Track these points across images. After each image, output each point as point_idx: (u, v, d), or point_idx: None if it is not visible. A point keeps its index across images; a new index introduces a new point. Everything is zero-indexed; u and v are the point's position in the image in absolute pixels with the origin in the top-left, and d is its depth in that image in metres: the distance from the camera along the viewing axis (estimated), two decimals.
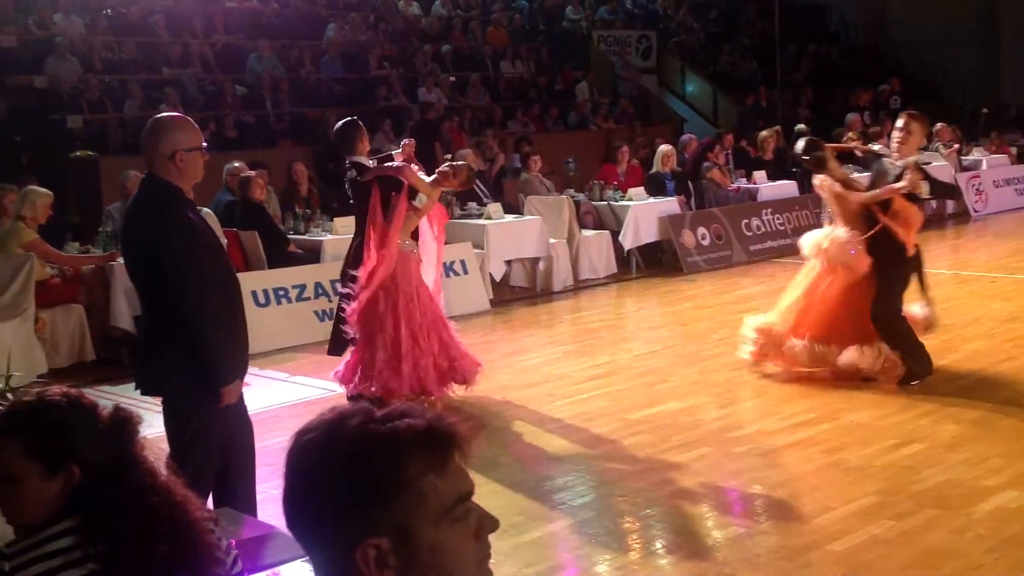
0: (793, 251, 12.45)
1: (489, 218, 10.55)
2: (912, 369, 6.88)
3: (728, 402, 6.68)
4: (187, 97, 13.72)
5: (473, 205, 11.11)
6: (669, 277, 11.43)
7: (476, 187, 11.39)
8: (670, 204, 12.00)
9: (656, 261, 12.03)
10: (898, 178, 6.80)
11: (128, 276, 4.33)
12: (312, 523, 1.36)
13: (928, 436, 5.84)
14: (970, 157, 16.14)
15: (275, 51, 15.57)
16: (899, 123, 7.19)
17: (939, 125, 16.31)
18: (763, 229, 12.60)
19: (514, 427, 6.43)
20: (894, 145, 7.16)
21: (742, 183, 13.26)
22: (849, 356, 6.84)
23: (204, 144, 4.12)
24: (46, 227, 8.42)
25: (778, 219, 12.77)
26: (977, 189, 15.46)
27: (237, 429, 4.14)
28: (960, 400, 6.49)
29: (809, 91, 20.13)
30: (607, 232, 11.63)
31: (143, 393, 4.15)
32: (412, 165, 6.78)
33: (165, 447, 3.91)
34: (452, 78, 16.66)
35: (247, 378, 4.27)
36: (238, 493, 4.10)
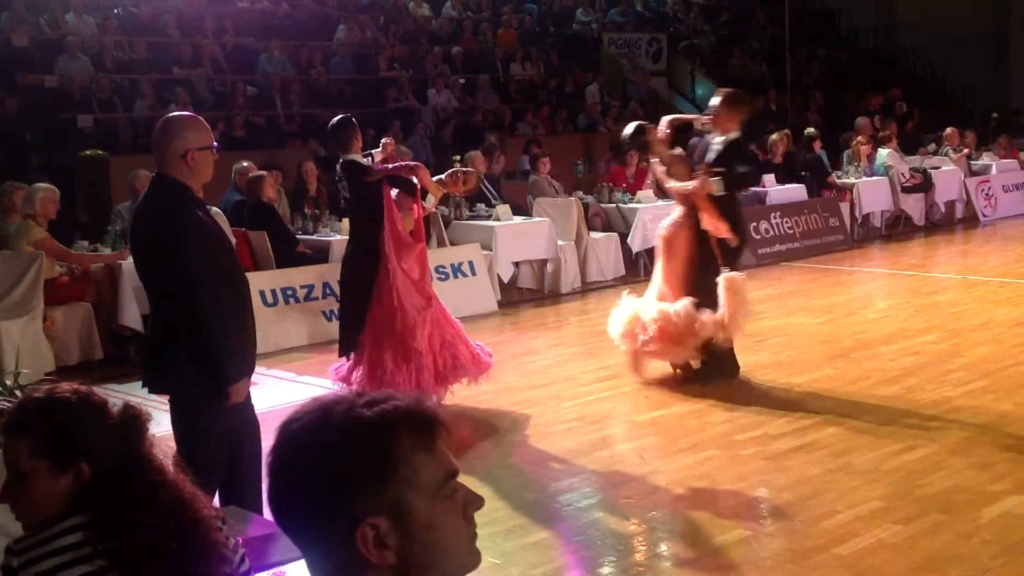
0: (802, 254, 12.51)
1: (498, 219, 10.56)
2: (713, 369, 7.07)
3: (735, 405, 6.67)
4: (197, 97, 13.77)
5: (481, 206, 11.12)
6: None
7: (485, 188, 11.42)
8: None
9: None
10: (709, 162, 6.98)
11: (137, 275, 4.34)
12: (309, 512, 1.36)
13: (934, 441, 5.83)
14: (980, 162, 16.10)
15: (285, 52, 15.61)
16: (711, 101, 7.33)
17: (948, 129, 16.29)
18: (772, 232, 12.59)
19: (521, 428, 6.44)
20: (707, 124, 7.28)
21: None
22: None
23: (215, 144, 4.15)
24: (55, 225, 8.45)
25: (787, 223, 12.76)
26: (986, 194, 15.42)
27: (244, 428, 4.16)
28: (967, 405, 6.48)
29: (819, 95, 20.11)
30: (615, 234, 11.63)
31: (151, 391, 4.16)
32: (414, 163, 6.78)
33: (173, 445, 3.93)
34: (462, 80, 16.67)
35: (254, 377, 4.29)
36: (245, 491, 4.12)
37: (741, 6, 23.14)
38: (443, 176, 6.89)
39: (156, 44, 15.01)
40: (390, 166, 6.74)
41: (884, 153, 14.36)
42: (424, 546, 1.38)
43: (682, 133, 7.41)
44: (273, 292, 8.82)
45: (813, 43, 22.10)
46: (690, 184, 7.04)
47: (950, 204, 15.13)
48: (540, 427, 6.44)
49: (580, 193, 12.26)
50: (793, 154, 14.13)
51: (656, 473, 5.50)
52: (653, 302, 7.17)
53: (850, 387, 6.99)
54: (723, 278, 6.94)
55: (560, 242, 10.79)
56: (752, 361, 7.74)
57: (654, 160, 7.51)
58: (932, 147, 16.28)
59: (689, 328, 6.89)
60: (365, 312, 6.55)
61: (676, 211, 7.32)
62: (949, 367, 7.35)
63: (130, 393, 6.09)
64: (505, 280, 10.50)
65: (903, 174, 14.35)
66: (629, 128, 7.57)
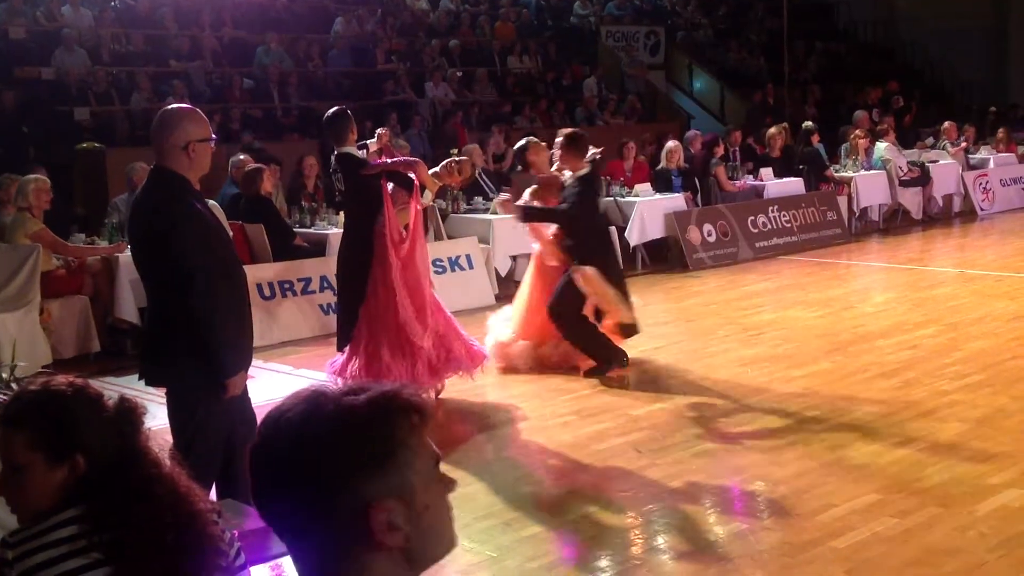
0: (800, 248, 12.51)
1: (495, 213, 10.55)
2: (600, 360, 7.26)
3: (732, 398, 6.67)
4: (194, 90, 13.74)
5: (479, 200, 11.10)
6: (675, 273, 11.42)
7: (482, 182, 11.40)
8: (676, 200, 11.99)
9: (662, 257, 12.03)
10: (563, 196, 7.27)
11: (134, 267, 4.34)
12: (305, 502, 1.36)
13: (932, 434, 5.83)
14: (977, 156, 16.11)
15: (283, 44, 15.58)
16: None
17: (946, 123, 16.29)
18: (769, 226, 12.59)
19: (517, 422, 6.44)
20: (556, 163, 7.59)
21: (749, 180, 13.25)
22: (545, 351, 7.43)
23: (214, 136, 4.15)
24: (52, 218, 8.43)
25: (784, 216, 12.76)
26: (984, 188, 15.43)
27: (241, 421, 4.15)
28: (964, 398, 6.48)
29: (816, 88, 20.10)
30: (613, 228, 11.61)
31: (148, 384, 4.16)
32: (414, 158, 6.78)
33: (169, 438, 3.93)
34: (459, 73, 16.65)
35: (252, 370, 4.29)
36: (242, 485, 4.11)
37: None
38: (438, 168, 6.88)
39: (153, 37, 14.98)
40: (389, 161, 6.72)
41: (882, 147, 14.35)
42: (424, 527, 1.41)
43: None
44: (271, 285, 8.82)
45: (811, 36, 22.08)
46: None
47: (948, 198, 15.13)
48: (536, 421, 6.44)
49: None
50: (791, 148, 14.13)
51: (652, 467, 5.50)
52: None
53: (847, 381, 6.99)
54: (573, 271, 7.14)
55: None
56: (749, 355, 7.75)
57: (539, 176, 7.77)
58: (930, 141, 16.28)
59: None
60: (359, 306, 6.54)
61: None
62: (946, 361, 7.36)
63: (127, 386, 6.09)
64: (503, 274, 10.49)
65: (901, 168, 14.35)
66: (520, 143, 7.98)
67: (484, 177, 11.49)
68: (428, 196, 6.72)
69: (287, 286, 8.92)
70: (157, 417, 3.54)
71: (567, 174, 7.39)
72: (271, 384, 7.20)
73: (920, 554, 4.33)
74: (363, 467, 1.36)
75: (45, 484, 2.24)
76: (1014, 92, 21.56)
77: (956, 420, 6.07)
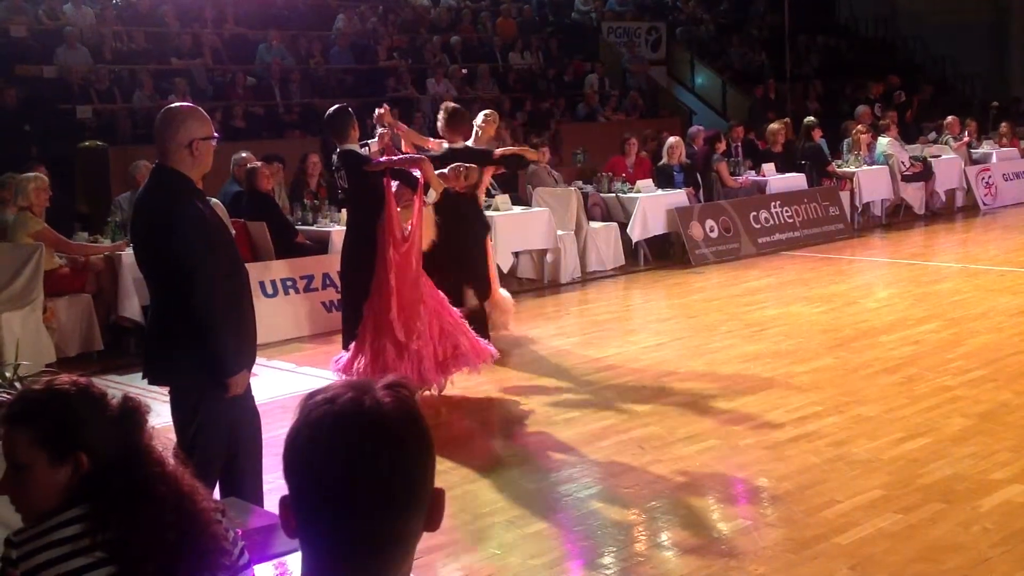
0: (802, 243, 12.50)
1: (497, 210, 10.54)
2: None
3: (735, 395, 6.67)
4: (196, 87, 13.74)
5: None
6: (677, 269, 11.42)
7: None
8: (678, 196, 11.98)
9: (664, 253, 12.03)
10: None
11: (137, 266, 4.34)
12: (417, 488, 1.39)
13: (935, 430, 5.83)
14: (980, 150, 16.08)
15: (284, 42, 15.58)
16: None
17: (949, 118, 16.26)
18: (772, 222, 12.58)
19: (520, 419, 6.44)
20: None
21: (751, 175, 13.23)
22: None
23: (216, 134, 4.15)
24: (55, 217, 8.43)
25: (786, 212, 12.75)
26: (987, 182, 15.41)
27: (244, 419, 4.16)
28: (967, 394, 6.48)
29: (818, 83, 20.07)
30: (615, 224, 11.62)
31: (151, 383, 4.16)
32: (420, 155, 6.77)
33: (173, 437, 3.93)
34: (464, 70, 16.64)
35: (255, 368, 4.29)
36: (245, 483, 4.12)
37: None
38: (445, 171, 6.88)
39: (155, 34, 14.98)
40: (394, 158, 6.70)
41: (884, 142, 14.33)
42: None
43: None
44: (273, 283, 8.82)
45: (812, 31, 22.05)
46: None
47: (950, 193, 15.10)
48: (540, 417, 6.44)
49: (579, 183, 12.24)
50: (793, 143, 14.11)
51: (656, 463, 5.50)
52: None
53: (850, 376, 6.99)
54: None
55: (559, 232, 10.78)
56: (752, 351, 7.75)
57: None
58: (932, 136, 16.26)
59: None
60: (363, 303, 6.54)
61: None
62: (949, 356, 7.35)
63: (130, 385, 6.11)
64: (505, 270, 10.48)
65: (903, 163, 14.33)
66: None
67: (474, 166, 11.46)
68: (432, 195, 6.70)
69: (289, 284, 8.92)
70: (161, 416, 3.54)
71: (445, 145, 7.67)
72: (274, 382, 7.21)
73: (923, 550, 4.33)
74: (434, 456, 1.42)
75: (49, 483, 2.24)
76: (1016, 86, 21.52)
77: (959, 416, 6.07)
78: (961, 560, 4.23)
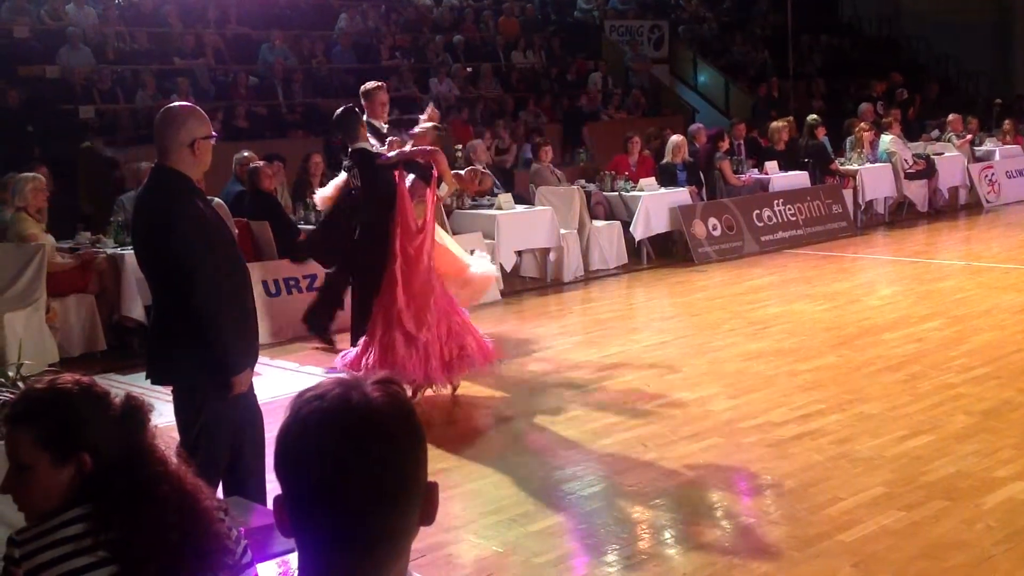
0: (805, 241, 12.49)
1: (500, 208, 10.55)
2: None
3: (738, 393, 6.67)
4: (199, 87, 13.75)
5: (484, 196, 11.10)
6: (680, 268, 11.41)
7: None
8: (681, 194, 11.97)
9: (667, 252, 12.02)
10: None
11: (138, 266, 4.35)
12: (409, 483, 1.39)
13: (938, 427, 5.83)
14: (983, 148, 16.05)
15: (287, 41, 15.59)
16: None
17: (951, 116, 16.23)
18: (775, 220, 12.57)
19: (524, 417, 6.44)
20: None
21: (754, 174, 13.22)
22: None
23: (215, 133, 4.16)
24: (58, 217, 8.43)
25: (789, 210, 12.73)
26: (990, 180, 15.38)
27: (247, 418, 4.16)
28: (971, 391, 6.47)
29: (821, 82, 20.04)
30: (618, 222, 11.61)
31: (153, 383, 4.17)
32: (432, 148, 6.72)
33: (176, 436, 3.93)
34: (468, 69, 16.63)
35: (258, 367, 4.29)
36: (248, 482, 4.12)
37: None
38: (461, 172, 6.89)
39: (157, 35, 15.00)
40: (407, 149, 6.65)
41: (887, 139, 14.32)
42: None
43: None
44: (276, 282, 8.82)
45: (815, 30, 22.03)
46: None
47: (953, 190, 15.08)
48: (544, 416, 6.43)
49: (582, 181, 12.23)
50: (796, 141, 14.09)
51: (659, 461, 5.50)
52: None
53: (853, 374, 6.98)
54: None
55: (562, 230, 10.78)
56: (755, 349, 7.74)
57: None
58: (935, 133, 16.23)
59: None
60: (373, 300, 6.54)
61: None
62: (953, 354, 7.34)
63: (133, 384, 6.11)
64: (508, 269, 10.49)
65: (906, 160, 14.32)
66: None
67: (489, 172, 11.48)
68: (444, 189, 6.68)
69: (292, 283, 8.92)
70: (164, 415, 3.54)
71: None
72: (277, 381, 7.21)
73: (927, 547, 4.33)
74: (426, 451, 1.42)
75: (52, 483, 2.24)
76: (1019, 83, 21.48)
77: (962, 413, 6.06)
78: (964, 558, 4.23)
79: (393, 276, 6.43)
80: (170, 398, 4.12)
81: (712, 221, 11.95)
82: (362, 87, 7.68)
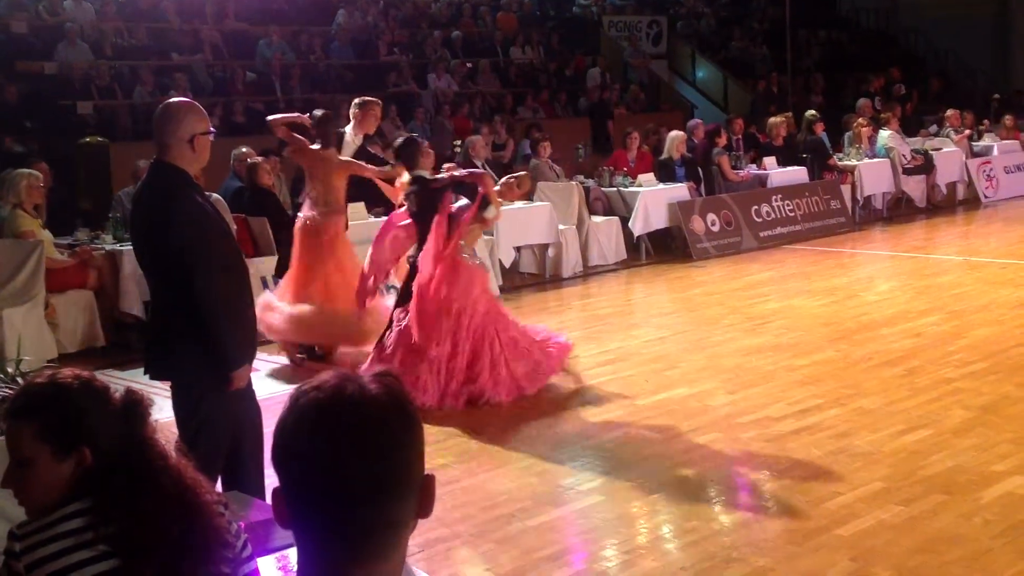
0: (804, 237, 12.50)
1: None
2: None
3: (737, 388, 6.68)
4: (197, 83, 13.74)
5: None
6: (679, 263, 11.42)
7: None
8: (680, 190, 11.98)
9: (666, 247, 12.03)
10: None
11: (137, 261, 4.35)
12: (404, 474, 1.39)
13: (936, 422, 5.84)
14: (981, 143, 16.06)
15: (285, 37, 15.57)
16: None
17: (949, 111, 16.23)
18: (773, 215, 12.58)
19: (523, 412, 6.44)
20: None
21: (752, 169, 13.23)
22: None
23: (213, 129, 4.17)
24: (57, 213, 8.41)
25: (788, 205, 12.74)
26: (988, 175, 15.39)
27: (246, 414, 4.17)
28: (968, 386, 6.49)
29: (820, 77, 20.04)
30: (616, 218, 11.62)
31: (152, 378, 4.17)
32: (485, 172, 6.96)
33: (175, 431, 3.94)
34: (469, 64, 16.62)
35: (257, 363, 4.30)
36: (247, 477, 4.13)
37: None
38: (498, 187, 7.05)
39: (155, 30, 14.98)
40: (456, 173, 6.88)
41: (885, 135, 14.32)
42: None
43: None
44: (275, 278, 8.80)
45: (814, 25, 22.02)
46: None
47: (951, 186, 15.09)
48: (542, 410, 6.44)
49: (581, 177, 12.23)
50: (794, 136, 14.10)
51: (658, 456, 5.51)
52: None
53: (851, 369, 6.99)
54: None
55: (561, 226, 10.78)
56: (754, 344, 7.75)
57: None
58: (933, 129, 16.23)
59: None
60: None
61: None
62: (950, 349, 7.36)
63: (133, 380, 6.11)
64: (507, 265, 10.50)
65: (904, 156, 14.32)
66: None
67: (487, 168, 11.47)
68: (492, 211, 6.79)
69: None
70: (164, 410, 3.55)
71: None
72: (277, 377, 7.21)
73: (925, 541, 4.34)
74: (423, 443, 1.43)
75: (52, 477, 2.25)
76: (1017, 78, 21.47)
77: (960, 408, 6.07)
78: (962, 551, 4.24)
79: (410, 290, 6.60)
80: (169, 394, 4.13)
81: (711, 217, 11.96)
82: (360, 98, 8.05)
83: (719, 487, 5.14)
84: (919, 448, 5.44)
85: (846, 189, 13.54)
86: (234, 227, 8.10)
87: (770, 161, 13.31)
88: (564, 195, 11.10)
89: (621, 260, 11.46)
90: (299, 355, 7.73)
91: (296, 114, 7.84)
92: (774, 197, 12.71)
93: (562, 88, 17.40)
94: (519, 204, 10.79)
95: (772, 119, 14.16)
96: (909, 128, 15.92)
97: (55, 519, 2.20)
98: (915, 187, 14.47)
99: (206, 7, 15.65)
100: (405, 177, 6.95)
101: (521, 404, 6.59)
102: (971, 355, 7.16)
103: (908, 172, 14.31)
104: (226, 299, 3.99)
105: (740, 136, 13.89)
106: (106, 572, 2.16)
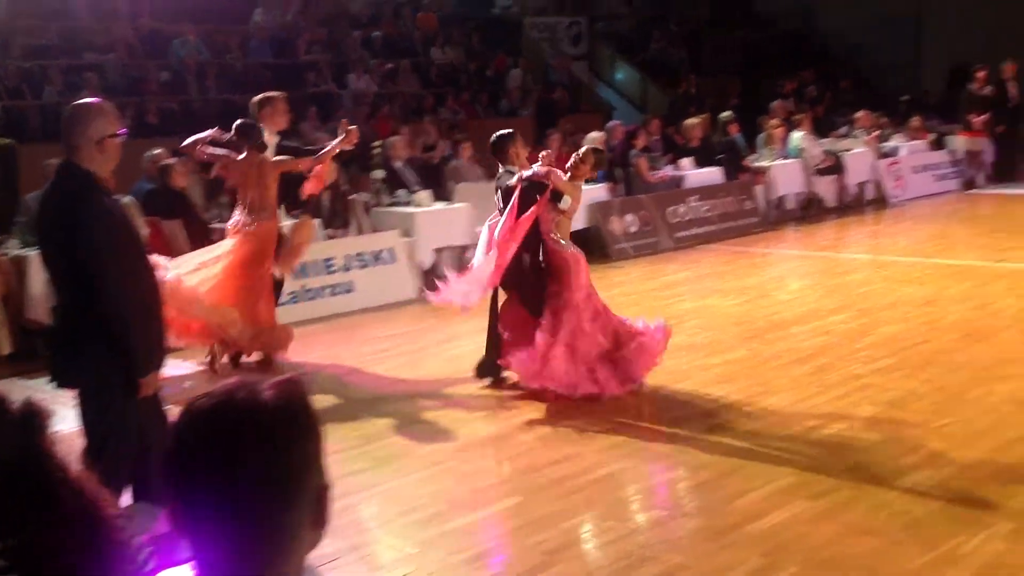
0: (718, 237, 12.69)
1: (419, 206, 10.51)
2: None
3: (650, 388, 6.75)
4: (108, 83, 13.44)
5: (402, 192, 11.04)
6: (598, 264, 11.46)
7: (404, 174, 11.33)
8: (599, 191, 12.07)
9: (585, 248, 12.03)
10: None
11: (43, 265, 4.25)
12: (292, 482, 1.38)
13: (846, 417, 5.98)
14: (889, 143, 16.48)
15: (201, 36, 15.31)
16: None
17: (860, 112, 16.61)
18: (689, 216, 12.75)
19: (439, 415, 6.43)
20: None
21: (669, 170, 13.39)
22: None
23: (124, 130, 4.10)
24: None
25: (704, 206, 12.93)
26: (896, 175, 15.80)
27: (154, 422, 4.09)
28: (876, 382, 6.65)
29: (737, 78, 20.34)
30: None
31: (59, 386, 4.08)
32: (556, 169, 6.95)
33: (80, 441, 3.85)
34: (389, 64, 16.52)
35: (165, 369, 4.22)
36: (155, 487, 4.05)
37: None
38: (567, 169, 7.09)
39: (67, 28, 14.61)
40: (526, 173, 6.94)
41: (797, 136, 14.61)
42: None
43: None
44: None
45: (732, 26, 22.32)
46: None
47: (861, 186, 15.45)
48: (460, 413, 6.44)
49: None
50: (710, 138, 14.31)
51: (572, 458, 5.54)
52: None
53: (763, 367, 7.12)
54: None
55: (480, 227, 10.76)
56: (669, 343, 7.82)
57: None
58: (844, 130, 16.60)
59: None
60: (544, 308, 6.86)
61: None
62: (858, 346, 7.54)
63: (39, 388, 5.95)
64: (426, 267, 10.46)
65: (816, 156, 14.63)
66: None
67: (407, 169, 11.43)
68: (567, 201, 6.93)
69: None
70: (66, 420, 3.47)
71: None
72: (187, 383, 7.09)
73: (835, 535, 4.44)
74: (320, 452, 1.42)
75: None
76: (927, 78, 21.97)
77: (869, 403, 6.23)
78: (873, 544, 4.35)
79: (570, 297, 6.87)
80: (74, 404, 4.03)
81: (629, 217, 12.08)
82: (259, 96, 8.05)
83: (634, 487, 5.20)
84: (830, 443, 5.57)
85: (760, 190, 13.79)
86: (146, 230, 7.96)
87: (686, 162, 13.49)
88: (484, 196, 11.08)
89: None
90: (222, 360, 7.60)
91: (207, 132, 7.67)
92: (690, 198, 12.88)
93: (483, 89, 17.41)
94: (439, 205, 10.78)
95: (688, 121, 14.35)
96: (821, 129, 16.26)
97: None
98: (826, 187, 14.78)
99: (121, 5, 15.31)
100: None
101: (439, 407, 6.58)
102: (879, 352, 7.35)
103: (819, 172, 14.62)
104: (134, 304, 3.91)
105: (658, 137, 14.05)
106: None
